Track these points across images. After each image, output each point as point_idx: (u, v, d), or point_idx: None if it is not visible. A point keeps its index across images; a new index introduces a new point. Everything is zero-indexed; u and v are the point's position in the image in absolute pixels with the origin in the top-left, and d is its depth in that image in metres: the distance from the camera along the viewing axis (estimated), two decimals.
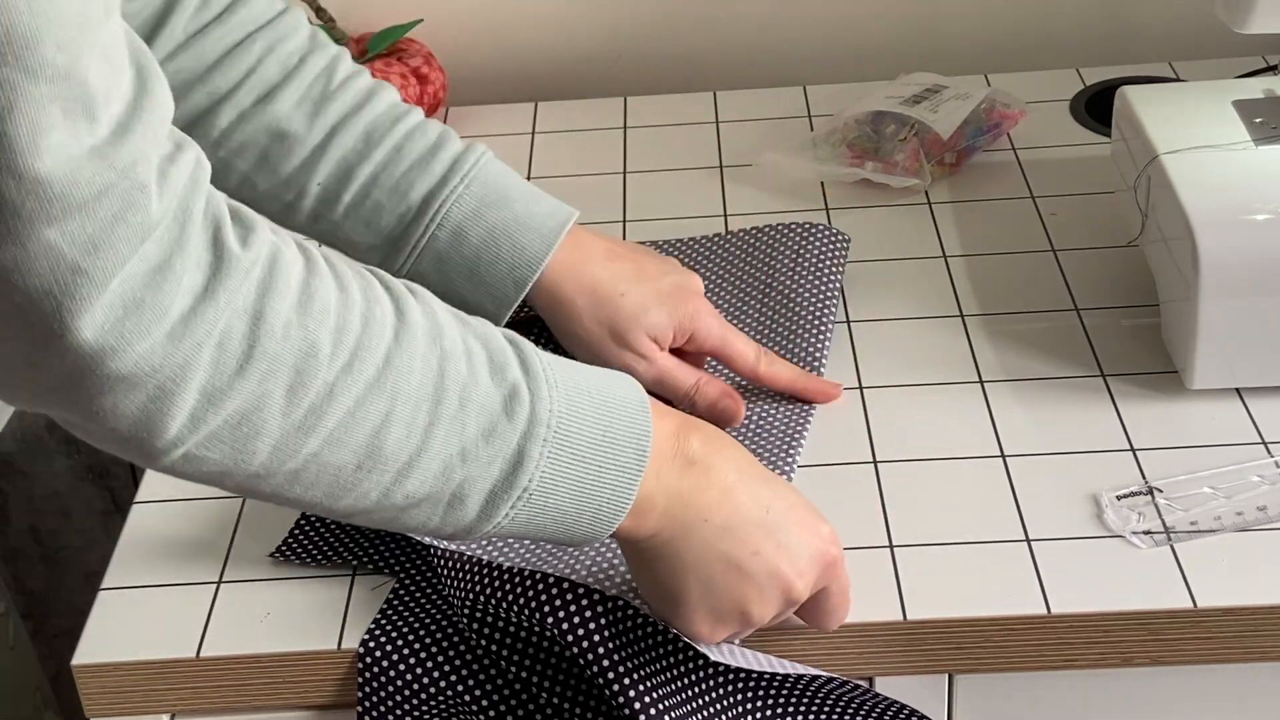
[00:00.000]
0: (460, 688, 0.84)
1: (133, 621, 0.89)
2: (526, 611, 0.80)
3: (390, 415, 0.67)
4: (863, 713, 0.85)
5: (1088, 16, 1.39)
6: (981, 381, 1.01)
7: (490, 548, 0.89)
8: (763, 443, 0.97)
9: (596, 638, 0.79)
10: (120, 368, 0.59)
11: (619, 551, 0.87)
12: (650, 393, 0.88)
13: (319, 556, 0.91)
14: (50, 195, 0.55)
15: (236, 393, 0.63)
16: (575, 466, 0.72)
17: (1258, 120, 1.01)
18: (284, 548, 0.92)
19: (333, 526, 0.94)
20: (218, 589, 0.91)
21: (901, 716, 0.84)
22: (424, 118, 0.97)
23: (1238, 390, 0.98)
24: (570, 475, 0.72)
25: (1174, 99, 1.06)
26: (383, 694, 0.85)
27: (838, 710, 0.85)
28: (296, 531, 0.94)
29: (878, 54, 1.40)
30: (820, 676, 0.83)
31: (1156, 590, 0.85)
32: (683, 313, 0.99)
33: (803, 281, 1.08)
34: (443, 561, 0.87)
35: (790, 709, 0.85)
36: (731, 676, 0.84)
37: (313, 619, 0.88)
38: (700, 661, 0.82)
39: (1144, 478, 0.92)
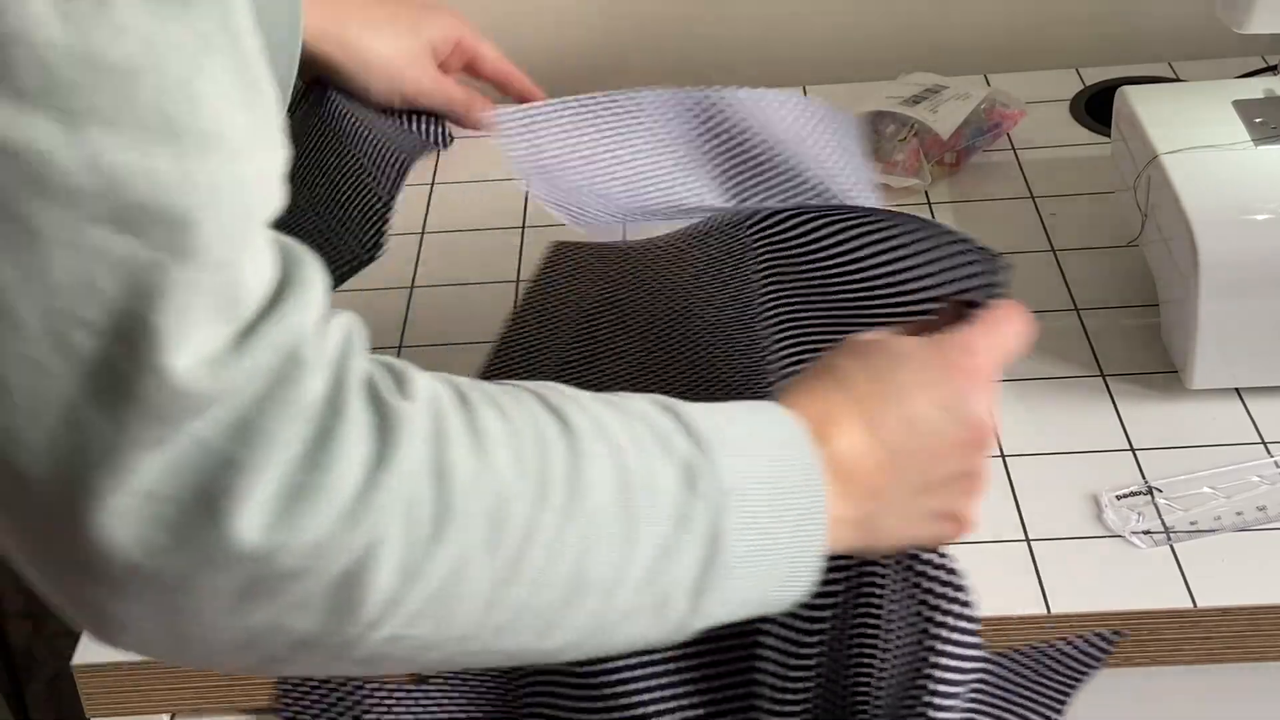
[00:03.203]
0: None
1: None
2: None
3: (588, 537, 0.60)
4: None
5: (1088, 16, 1.39)
6: None
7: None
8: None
9: None
10: (293, 564, 0.52)
11: None
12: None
13: None
14: (198, 391, 0.49)
15: (436, 561, 0.56)
16: (762, 527, 0.65)
17: (1258, 120, 1.01)
18: None
19: None
20: None
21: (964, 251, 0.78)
22: None
23: (1238, 390, 0.98)
24: (761, 537, 0.65)
25: (1174, 99, 1.06)
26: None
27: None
28: None
29: (878, 54, 1.40)
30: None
31: (1156, 590, 0.85)
32: (441, 37, 1.14)
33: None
34: None
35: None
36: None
37: None
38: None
39: (1144, 478, 0.92)
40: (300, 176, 1.05)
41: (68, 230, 0.45)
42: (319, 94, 1.12)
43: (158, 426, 0.49)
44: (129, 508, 0.50)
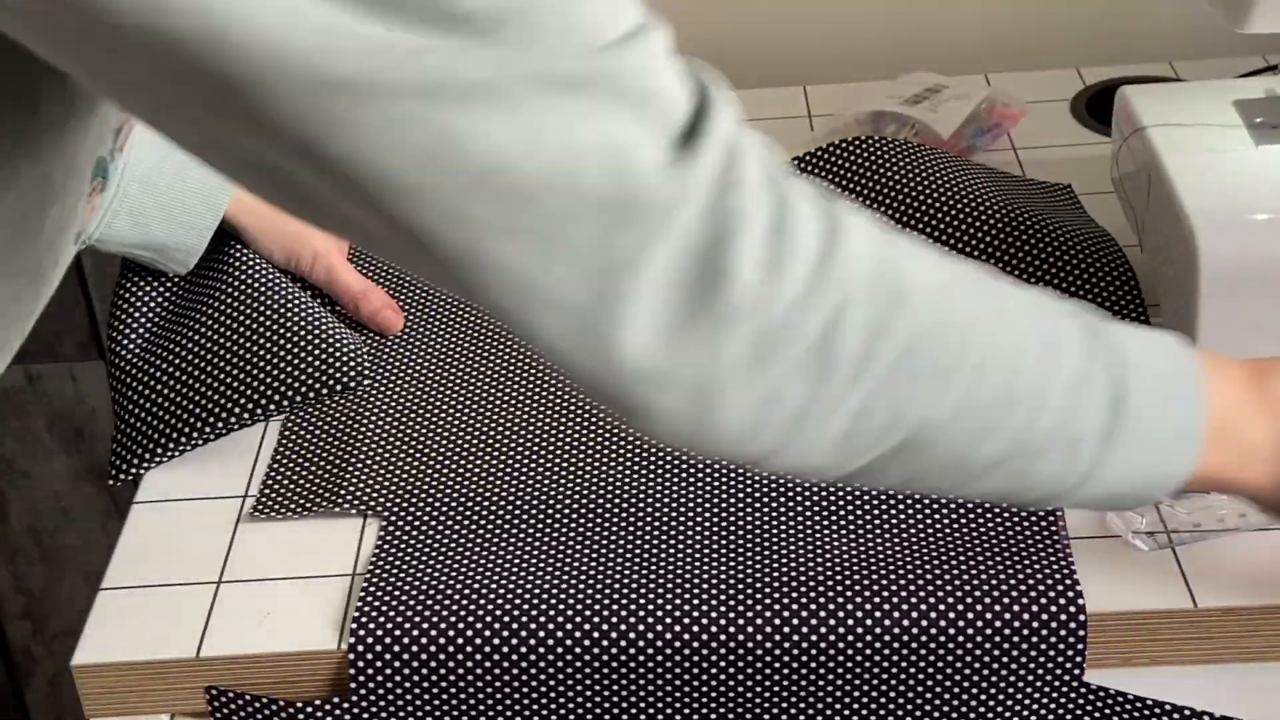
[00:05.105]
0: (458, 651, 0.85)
1: (133, 621, 0.89)
2: None
3: (1017, 346, 0.66)
4: None
5: (1088, 16, 1.39)
6: None
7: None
8: None
9: None
10: (782, 319, 0.61)
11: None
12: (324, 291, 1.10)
13: (295, 508, 0.94)
14: (689, 180, 0.59)
15: (894, 331, 0.63)
16: (1157, 399, 0.70)
17: (1258, 120, 1.01)
18: (263, 503, 0.95)
19: (302, 473, 0.96)
20: (218, 589, 0.91)
21: None
22: None
23: None
24: (1156, 407, 0.70)
25: (1174, 99, 1.06)
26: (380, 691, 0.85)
27: None
28: (268, 483, 0.96)
29: (878, 54, 1.40)
30: None
31: (1156, 590, 0.85)
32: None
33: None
34: None
35: None
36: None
37: (313, 619, 0.88)
38: None
39: None
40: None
41: (544, 109, 0.57)
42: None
43: (659, 222, 0.59)
44: (647, 305, 0.60)
